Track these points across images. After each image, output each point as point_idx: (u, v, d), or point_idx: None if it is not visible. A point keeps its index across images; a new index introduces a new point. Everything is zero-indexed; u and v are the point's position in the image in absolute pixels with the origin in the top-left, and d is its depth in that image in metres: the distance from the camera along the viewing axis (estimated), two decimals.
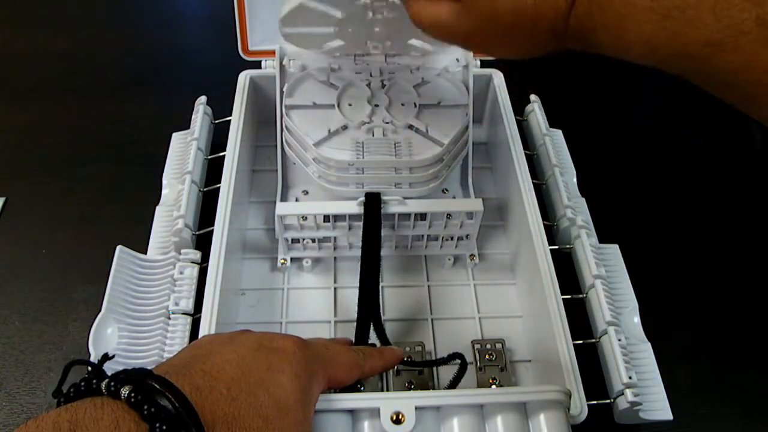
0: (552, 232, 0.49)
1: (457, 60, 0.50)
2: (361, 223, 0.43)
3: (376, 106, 0.47)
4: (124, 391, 0.23)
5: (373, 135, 0.45)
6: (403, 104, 0.47)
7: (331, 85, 0.48)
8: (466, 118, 0.47)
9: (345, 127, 0.45)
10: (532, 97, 0.57)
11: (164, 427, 0.22)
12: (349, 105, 0.47)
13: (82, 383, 0.24)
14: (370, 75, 0.49)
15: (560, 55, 0.31)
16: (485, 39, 0.32)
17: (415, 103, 0.47)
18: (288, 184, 0.50)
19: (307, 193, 0.50)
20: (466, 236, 0.48)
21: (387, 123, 0.46)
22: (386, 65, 0.49)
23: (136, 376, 0.24)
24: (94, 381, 0.24)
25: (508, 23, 0.29)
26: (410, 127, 0.46)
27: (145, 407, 0.22)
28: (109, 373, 0.25)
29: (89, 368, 0.27)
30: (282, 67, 0.49)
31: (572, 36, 0.28)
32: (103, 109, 0.61)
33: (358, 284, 0.41)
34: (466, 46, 0.34)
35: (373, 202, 0.43)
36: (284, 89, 0.47)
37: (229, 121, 0.49)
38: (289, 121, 0.45)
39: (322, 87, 0.48)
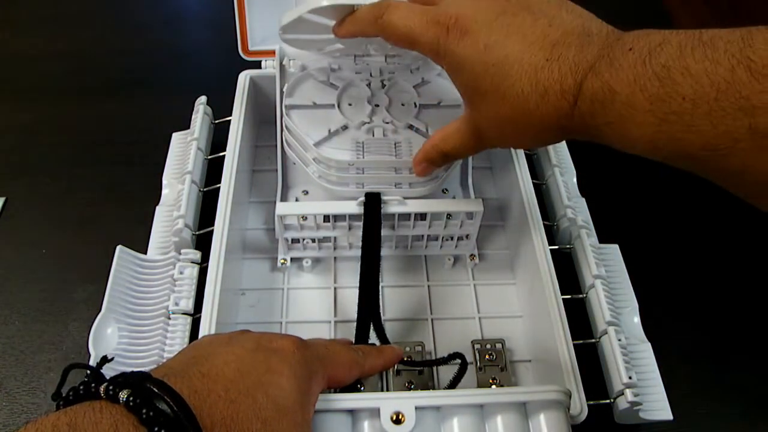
0: (552, 232, 0.49)
1: None
2: (361, 223, 0.43)
3: (376, 106, 0.46)
4: (123, 395, 0.23)
5: (373, 135, 0.45)
6: (403, 104, 0.47)
7: (331, 84, 0.48)
8: None
9: (345, 127, 0.45)
10: None
11: (163, 431, 0.22)
12: (349, 105, 0.47)
13: (81, 387, 0.24)
14: (370, 75, 0.49)
15: None
16: (495, 137, 0.34)
17: (415, 103, 0.47)
18: (288, 184, 0.50)
19: (307, 193, 0.50)
20: (466, 236, 0.47)
21: (387, 123, 0.45)
22: (386, 65, 0.49)
23: (134, 380, 0.24)
24: (93, 384, 0.24)
25: (518, 123, 0.31)
26: (410, 127, 0.46)
27: (144, 411, 0.22)
28: (109, 374, 0.25)
29: (88, 371, 0.27)
30: (282, 67, 0.49)
31: (580, 131, 0.29)
32: (103, 109, 0.61)
33: (358, 284, 0.41)
34: (484, 143, 0.36)
35: (373, 202, 0.43)
36: (284, 89, 0.47)
37: (229, 121, 0.49)
38: (289, 121, 0.45)
39: (322, 87, 0.48)
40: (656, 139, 0.26)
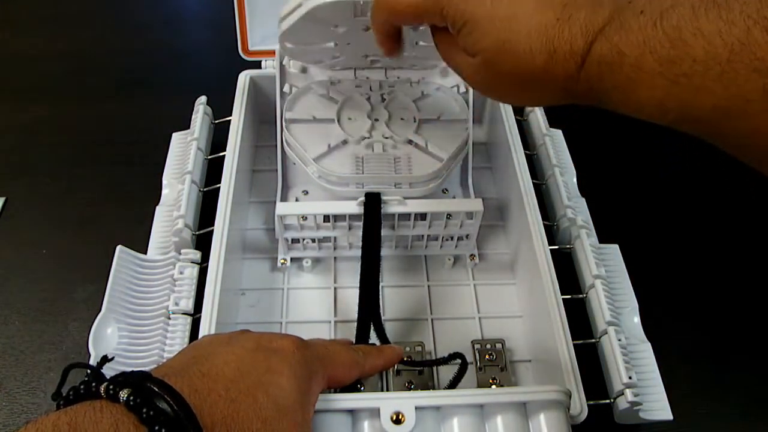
0: (552, 232, 0.49)
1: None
2: (361, 223, 0.43)
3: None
4: (123, 394, 0.23)
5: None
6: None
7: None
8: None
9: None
10: None
11: (163, 430, 0.22)
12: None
13: (82, 386, 0.24)
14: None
15: None
16: (501, 91, 0.33)
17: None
18: (288, 184, 0.50)
19: (307, 193, 0.50)
20: (466, 236, 0.47)
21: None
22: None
23: (134, 379, 0.24)
24: (93, 384, 0.24)
25: (521, 81, 0.30)
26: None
27: (144, 410, 0.22)
28: (109, 374, 0.25)
29: (88, 371, 0.27)
30: (282, 67, 0.49)
31: (584, 94, 0.29)
32: (103, 109, 0.61)
33: (358, 284, 0.41)
34: (484, 93, 0.35)
35: (373, 202, 0.43)
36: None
37: (229, 121, 0.49)
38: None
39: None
40: (665, 101, 0.25)
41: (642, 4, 0.26)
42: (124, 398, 0.23)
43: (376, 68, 0.49)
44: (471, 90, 0.49)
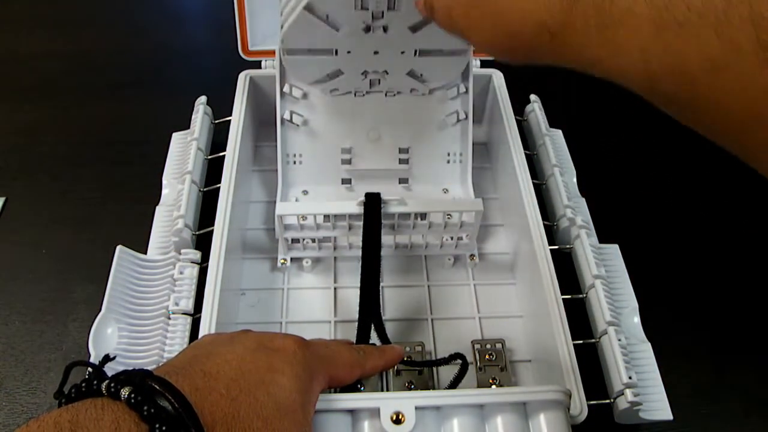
0: (552, 232, 0.49)
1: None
2: (361, 223, 0.43)
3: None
4: (125, 392, 0.23)
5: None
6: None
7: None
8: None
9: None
10: (532, 97, 0.57)
11: (164, 428, 0.22)
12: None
13: (83, 384, 0.24)
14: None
15: None
16: (468, 16, 0.31)
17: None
18: (288, 184, 0.50)
19: (307, 193, 0.50)
20: (466, 236, 0.47)
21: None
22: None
23: (136, 377, 0.24)
24: (95, 382, 0.24)
25: (495, 16, 0.29)
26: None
27: (145, 408, 0.22)
28: (109, 374, 0.25)
29: (90, 369, 0.27)
30: (282, 67, 0.49)
31: (564, 50, 0.27)
32: (103, 109, 0.61)
33: (358, 284, 0.41)
34: (451, 24, 0.33)
35: (373, 202, 0.43)
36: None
37: (229, 121, 0.49)
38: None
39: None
40: (650, 49, 0.24)
41: None
42: (125, 396, 0.23)
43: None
44: (471, 89, 0.49)
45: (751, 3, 0.22)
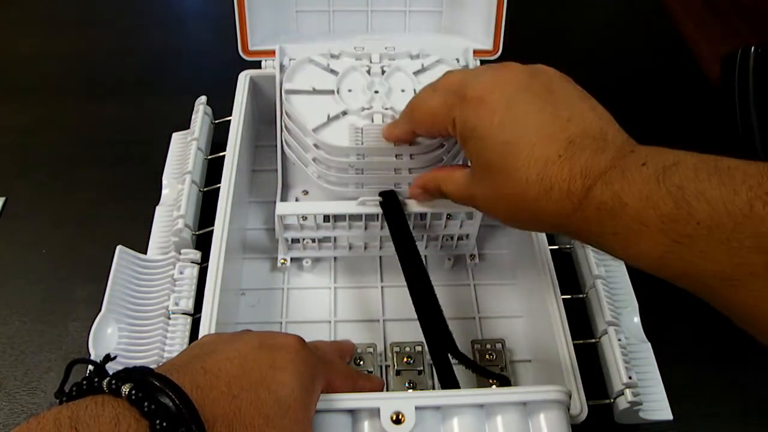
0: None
1: (457, 60, 0.50)
2: (361, 223, 0.43)
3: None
4: (125, 388, 0.23)
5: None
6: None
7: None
8: None
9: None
10: None
11: (164, 424, 0.22)
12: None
13: (84, 382, 0.24)
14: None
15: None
16: (486, 207, 0.34)
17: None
18: (288, 184, 0.50)
19: (307, 193, 0.50)
20: (466, 236, 0.48)
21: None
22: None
23: (137, 374, 0.24)
24: (96, 379, 0.24)
25: (515, 204, 0.30)
26: None
27: (146, 404, 0.22)
28: (110, 373, 0.25)
29: (91, 367, 0.27)
30: (282, 67, 0.49)
31: (575, 233, 0.29)
32: (103, 109, 0.61)
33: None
34: (478, 208, 0.36)
35: (390, 199, 0.42)
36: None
37: (229, 121, 0.49)
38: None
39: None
40: (665, 258, 0.25)
41: (644, 156, 0.27)
42: (126, 393, 0.23)
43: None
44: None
45: (757, 225, 0.22)
